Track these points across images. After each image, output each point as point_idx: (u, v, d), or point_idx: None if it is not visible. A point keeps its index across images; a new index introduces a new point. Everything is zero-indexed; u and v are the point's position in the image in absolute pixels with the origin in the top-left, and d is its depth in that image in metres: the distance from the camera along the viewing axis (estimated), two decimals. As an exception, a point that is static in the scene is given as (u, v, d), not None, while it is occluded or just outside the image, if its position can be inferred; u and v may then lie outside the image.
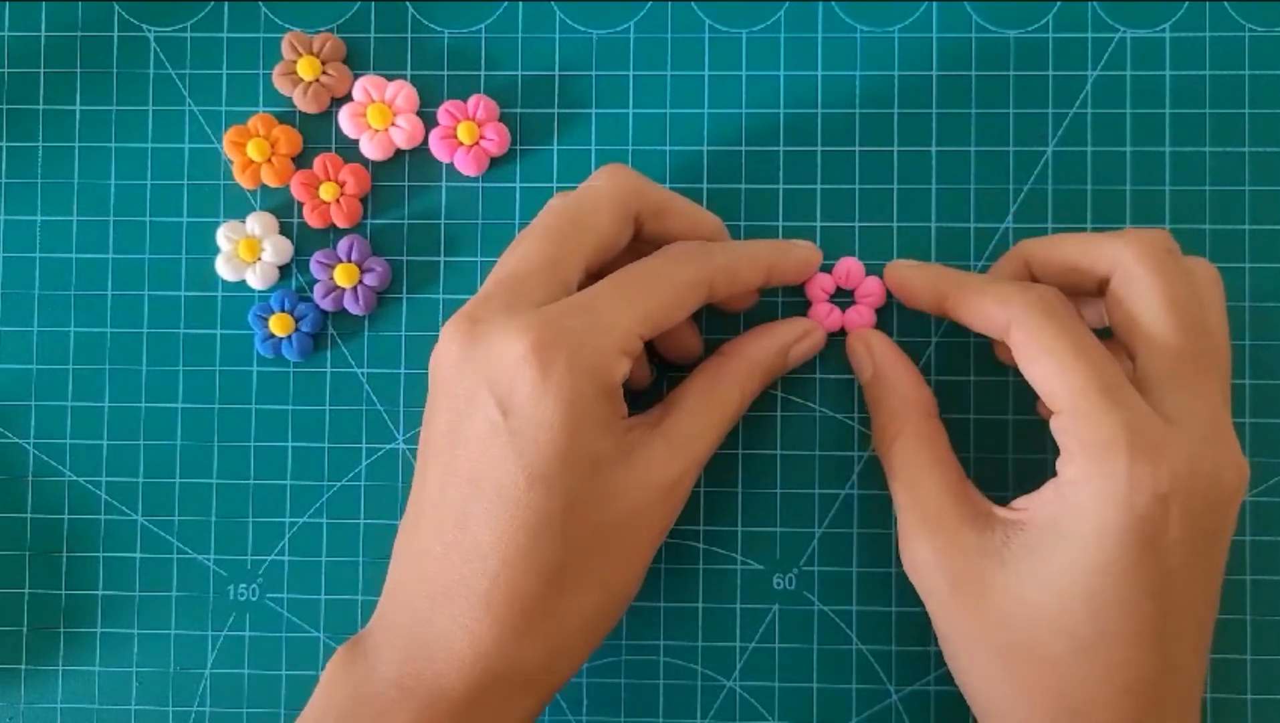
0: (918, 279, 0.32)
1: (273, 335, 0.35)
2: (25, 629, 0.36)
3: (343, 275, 0.35)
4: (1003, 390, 0.34)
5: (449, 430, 0.28)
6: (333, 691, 0.29)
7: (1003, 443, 0.34)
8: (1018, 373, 0.32)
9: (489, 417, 0.27)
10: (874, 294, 0.34)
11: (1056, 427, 0.28)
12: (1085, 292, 0.30)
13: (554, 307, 0.28)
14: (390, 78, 0.35)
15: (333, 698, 0.29)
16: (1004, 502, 0.29)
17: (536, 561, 0.27)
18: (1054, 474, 0.28)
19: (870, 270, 0.34)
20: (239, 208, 0.36)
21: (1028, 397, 0.33)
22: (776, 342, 0.32)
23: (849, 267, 0.34)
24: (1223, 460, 0.27)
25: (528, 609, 0.28)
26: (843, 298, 0.34)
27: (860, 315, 0.34)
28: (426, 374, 0.35)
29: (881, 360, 0.32)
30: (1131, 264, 0.28)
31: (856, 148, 0.35)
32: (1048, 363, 0.27)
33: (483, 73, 0.36)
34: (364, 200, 0.36)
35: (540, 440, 0.27)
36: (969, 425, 0.34)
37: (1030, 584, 0.27)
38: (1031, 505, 0.28)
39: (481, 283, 0.35)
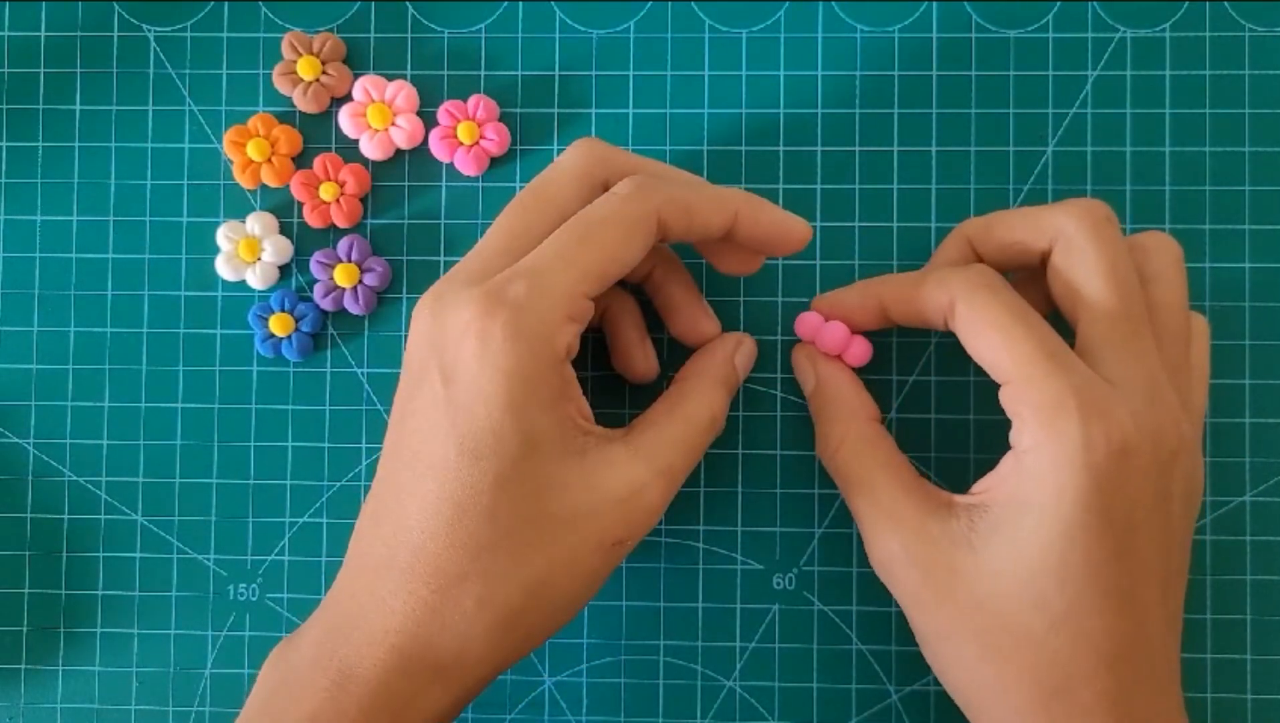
0: (850, 299, 0.32)
1: (273, 335, 0.35)
2: (25, 629, 0.36)
3: (343, 275, 0.35)
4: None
5: (401, 406, 0.28)
6: (263, 679, 0.29)
7: (1001, 443, 0.34)
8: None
9: (433, 389, 0.27)
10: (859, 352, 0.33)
11: (1006, 396, 0.28)
12: (1029, 266, 0.31)
13: (499, 275, 0.27)
14: (390, 78, 0.35)
15: (261, 686, 0.29)
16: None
17: (460, 537, 0.27)
18: (1009, 449, 0.28)
19: (869, 271, 0.34)
20: (239, 208, 0.36)
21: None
22: (719, 354, 0.32)
23: (836, 333, 0.33)
24: (1162, 419, 0.27)
25: (444, 588, 0.27)
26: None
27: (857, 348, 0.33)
28: (426, 374, 0.35)
29: (823, 370, 0.32)
30: (1071, 232, 0.29)
31: (856, 148, 0.35)
32: (992, 334, 0.28)
33: (483, 73, 0.36)
34: (364, 200, 0.36)
35: (476, 412, 0.26)
36: (969, 426, 0.34)
37: (1000, 563, 0.27)
38: (991, 485, 0.28)
39: (481, 283, 0.35)
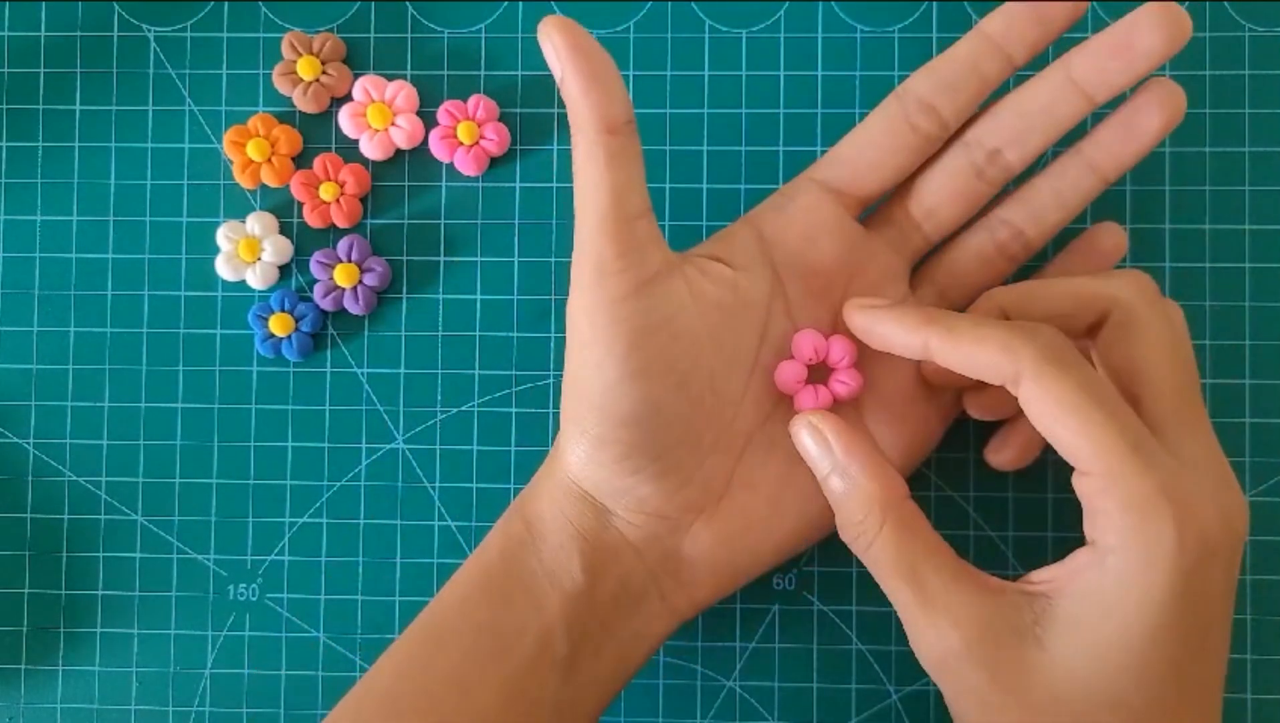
0: (892, 321, 0.28)
1: (273, 335, 0.35)
2: (25, 629, 0.36)
3: (343, 275, 0.35)
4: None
5: None
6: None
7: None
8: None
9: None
10: (848, 353, 0.30)
11: (1086, 487, 0.26)
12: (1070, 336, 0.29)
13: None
14: (390, 78, 0.35)
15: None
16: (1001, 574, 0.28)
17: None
18: (1077, 537, 0.27)
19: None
20: (239, 208, 0.36)
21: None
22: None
23: (812, 339, 0.30)
24: (1234, 503, 0.26)
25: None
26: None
27: (848, 385, 0.30)
28: (425, 374, 0.35)
29: (843, 446, 0.29)
30: (1129, 307, 0.28)
31: (856, 148, 0.35)
32: (1070, 420, 0.25)
33: (483, 73, 0.36)
34: (364, 200, 0.36)
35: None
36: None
37: (1075, 661, 0.26)
38: (1059, 576, 0.27)
39: (482, 283, 0.35)
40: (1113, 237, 0.32)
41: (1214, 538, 0.25)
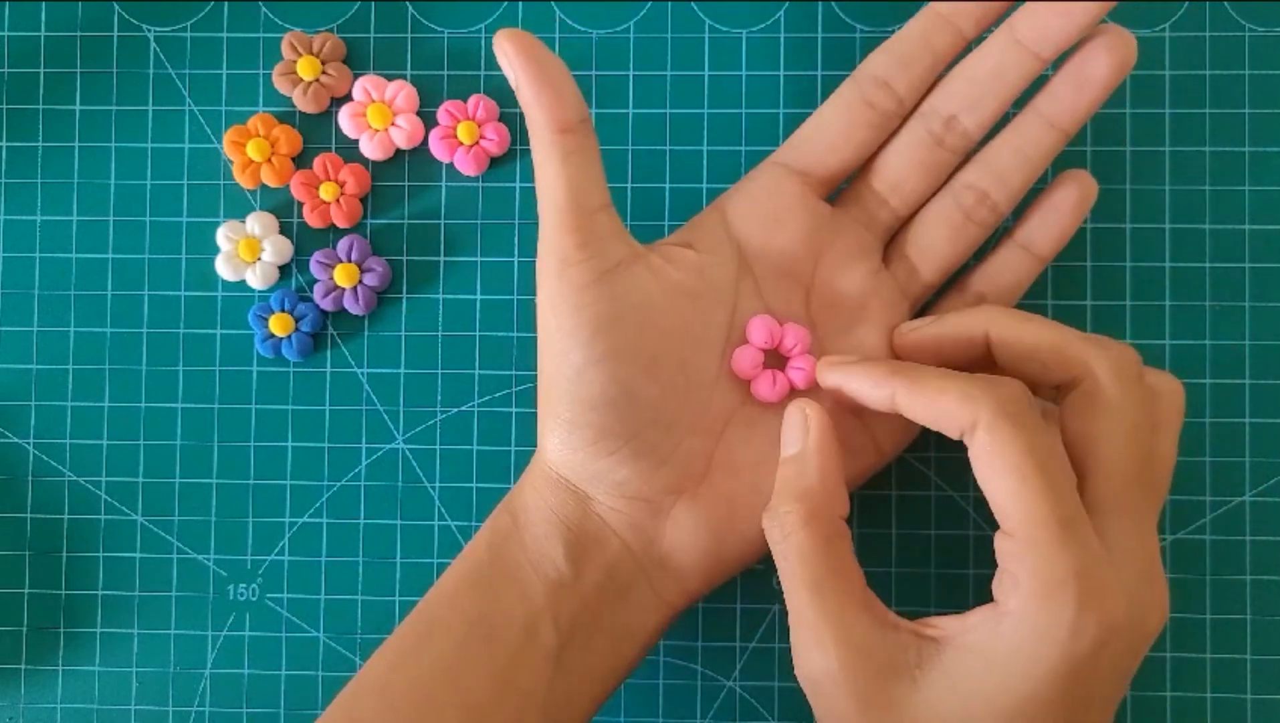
0: (861, 375, 0.29)
1: (273, 335, 0.35)
2: (25, 629, 0.36)
3: (343, 275, 0.35)
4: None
5: None
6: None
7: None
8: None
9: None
10: (801, 341, 0.30)
11: (1005, 548, 0.26)
12: (1039, 385, 0.29)
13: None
14: (390, 78, 0.35)
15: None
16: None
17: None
18: (987, 597, 0.27)
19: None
20: (239, 208, 0.36)
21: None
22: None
23: (768, 325, 0.30)
24: (1152, 602, 0.27)
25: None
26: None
27: (804, 371, 0.30)
28: (425, 374, 0.35)
29: (817, 441, 0.29)
30: (1103, 382, 0.27)
31: (856, 148, 0.35)
32: (1010, 479, 0.25)
33: (483, 73, 0.36)
34: (364, 200, 0.36)
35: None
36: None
37: (943, 708, 0.26)
38: (953, 628, 0.27)
39: (482, 283, 0.35)
40: (1080, 185, 0.32)
41: (1114, 629, 0.25)
